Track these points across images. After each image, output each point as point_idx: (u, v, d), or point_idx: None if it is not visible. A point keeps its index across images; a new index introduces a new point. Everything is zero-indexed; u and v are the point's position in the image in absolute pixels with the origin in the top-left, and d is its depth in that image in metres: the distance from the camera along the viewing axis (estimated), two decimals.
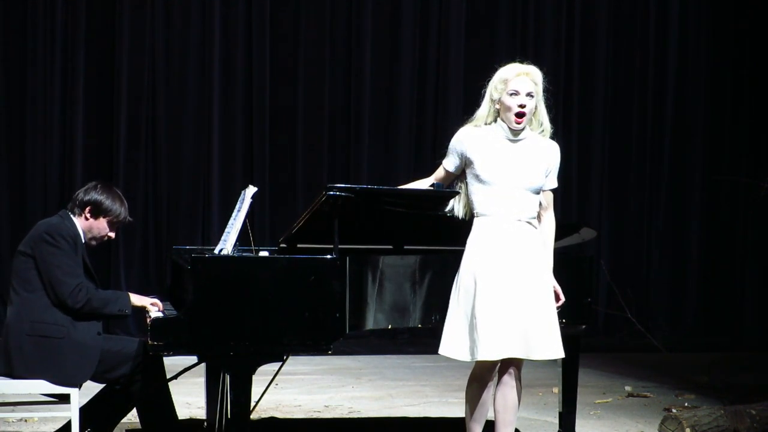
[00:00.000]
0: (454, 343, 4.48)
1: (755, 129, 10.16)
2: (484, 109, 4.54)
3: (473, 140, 4.50)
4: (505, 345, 4.36)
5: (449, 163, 4.61)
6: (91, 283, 4.79)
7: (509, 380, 4.54)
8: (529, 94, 4.44)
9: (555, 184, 4.61)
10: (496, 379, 4.56)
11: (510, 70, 4.48)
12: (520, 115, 4.44)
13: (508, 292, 4.40)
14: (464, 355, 4.45)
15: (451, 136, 4.59)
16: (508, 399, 4.54)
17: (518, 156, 4.47)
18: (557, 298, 4.55)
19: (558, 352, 4.47)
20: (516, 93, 4.44)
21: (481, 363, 4.49)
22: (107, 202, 4.88)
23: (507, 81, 4.46)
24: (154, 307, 4.80)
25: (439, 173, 4.66)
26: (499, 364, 4.51)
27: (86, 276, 4.81)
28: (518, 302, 4.39)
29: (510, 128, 4.48)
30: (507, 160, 4.46)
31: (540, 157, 4.50)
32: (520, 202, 4.46)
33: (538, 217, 4.55)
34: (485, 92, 4.54)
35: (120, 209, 4.90)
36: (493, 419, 4.59)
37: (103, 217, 4.88)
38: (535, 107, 4.49)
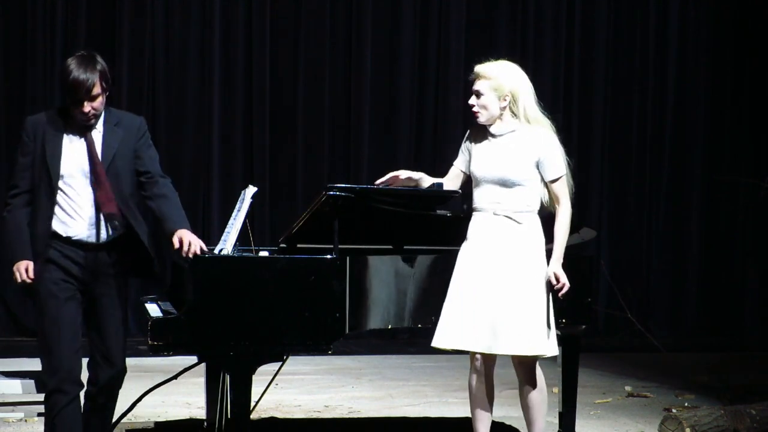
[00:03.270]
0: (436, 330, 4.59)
1: (755, 129, 10.16)
2: None
3: (472, 138, 4.65)
4: (459, 336, 4.45)
5: (457, 160, 4.72)
6: (26, 195, 4.36)
7: (523, 380, 4.56)
8: (476, 93, 4.54)
9: (555, 174, 4.52)
10: (482, 369, 4.57)
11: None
12: (473, 114, 4.56)
13: (475, 285, 4.47)
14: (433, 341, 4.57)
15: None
16: (525, 399, 4.59)
17: (497, 152, 4.54)
18: (558, 280, 4.47)
19: (528, 348, 4.42)
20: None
21: (470, 353, 4.55)
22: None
23: None
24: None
25: (450, 171, 4.75)
26: (477, 356, 4.54)
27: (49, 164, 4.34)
28: (486, 296, 4.44)
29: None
30: (487, 156, 4.55)
31: (521, 151, 4.51)
32: (499, 197, 4.51)
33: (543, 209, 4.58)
34: None
35: (69, 76, 4.26)
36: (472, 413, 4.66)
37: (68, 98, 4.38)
38: (509, 99, 4.51)
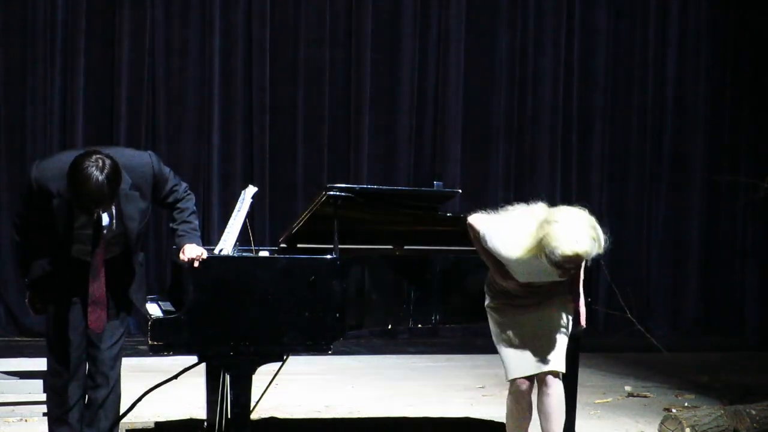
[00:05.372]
0: None
1: (755, 129, 10.16)
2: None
3: None
4: (527, 363, 4.58)
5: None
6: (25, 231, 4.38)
7: (550, 392, 4.63)
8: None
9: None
10: (526, 390, 4.67)
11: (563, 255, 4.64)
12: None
13: (519, 317, 4.62)
14: None
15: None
16: (544, 406, 4.65)
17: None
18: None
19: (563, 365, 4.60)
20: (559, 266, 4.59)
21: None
22: None
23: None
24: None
25: None
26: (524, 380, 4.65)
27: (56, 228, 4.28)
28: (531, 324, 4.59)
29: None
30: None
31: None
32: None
33: None
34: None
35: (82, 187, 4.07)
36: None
37: None
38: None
